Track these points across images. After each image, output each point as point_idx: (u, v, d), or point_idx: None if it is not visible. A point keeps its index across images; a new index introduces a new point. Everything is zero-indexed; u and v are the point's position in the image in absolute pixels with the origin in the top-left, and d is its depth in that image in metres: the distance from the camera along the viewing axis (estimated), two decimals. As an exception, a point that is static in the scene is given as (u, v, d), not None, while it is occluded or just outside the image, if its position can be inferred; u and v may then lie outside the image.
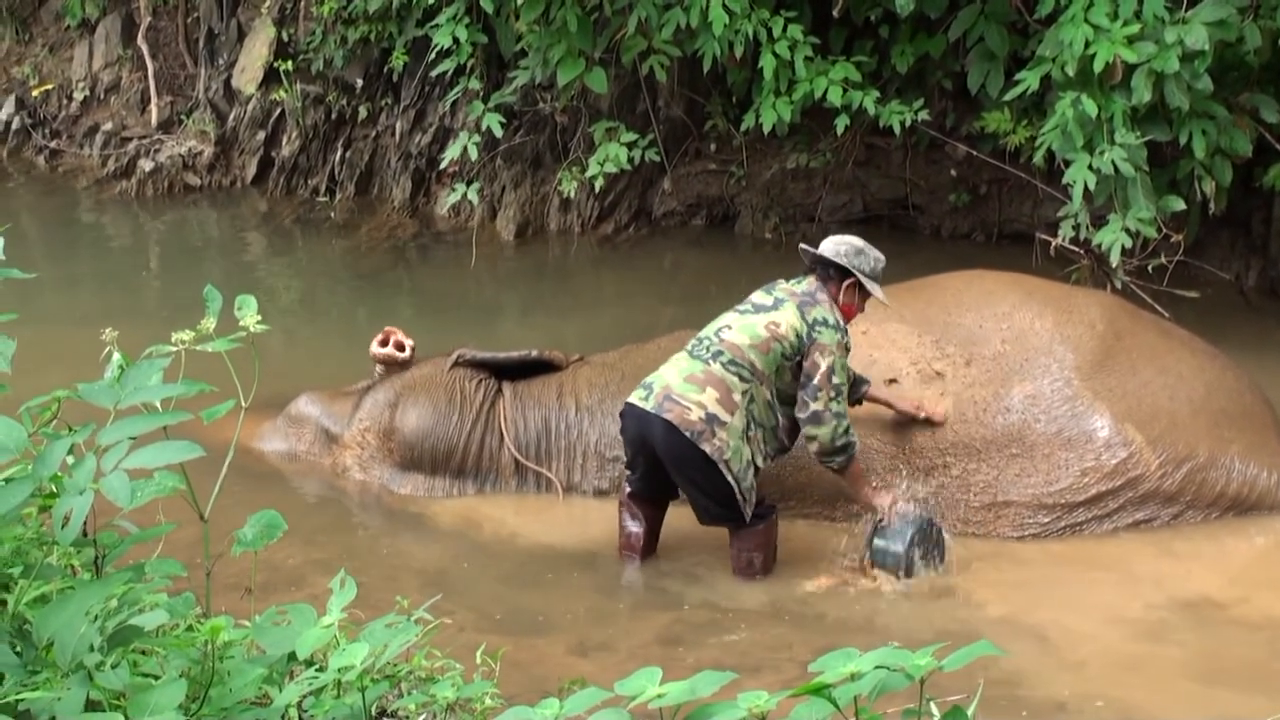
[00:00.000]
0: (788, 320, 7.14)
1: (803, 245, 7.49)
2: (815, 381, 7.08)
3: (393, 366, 8.46)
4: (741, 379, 7.08)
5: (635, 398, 7.12)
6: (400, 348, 8.47)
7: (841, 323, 7.18)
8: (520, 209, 12.90)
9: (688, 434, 6.95)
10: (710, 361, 7.09)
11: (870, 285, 7.28)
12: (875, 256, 7.33)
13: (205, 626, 3.14)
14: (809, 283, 7.30)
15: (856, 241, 7.39)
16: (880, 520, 7.21)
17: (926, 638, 3.15)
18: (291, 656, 3.28)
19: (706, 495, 7.11)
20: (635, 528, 7.37)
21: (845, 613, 6.95)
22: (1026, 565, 7.30)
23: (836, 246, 7.33)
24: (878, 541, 7.19)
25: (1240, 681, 6.25)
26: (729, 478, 7.01)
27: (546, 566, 7.43)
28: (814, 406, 7.08)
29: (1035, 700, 6.09)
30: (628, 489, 7.37)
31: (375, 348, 8.49)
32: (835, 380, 7.09)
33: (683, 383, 7.04)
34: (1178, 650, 6.59)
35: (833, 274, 7.30)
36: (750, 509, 7.12)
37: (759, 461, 7.14)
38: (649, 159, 12.21)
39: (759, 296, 7.33)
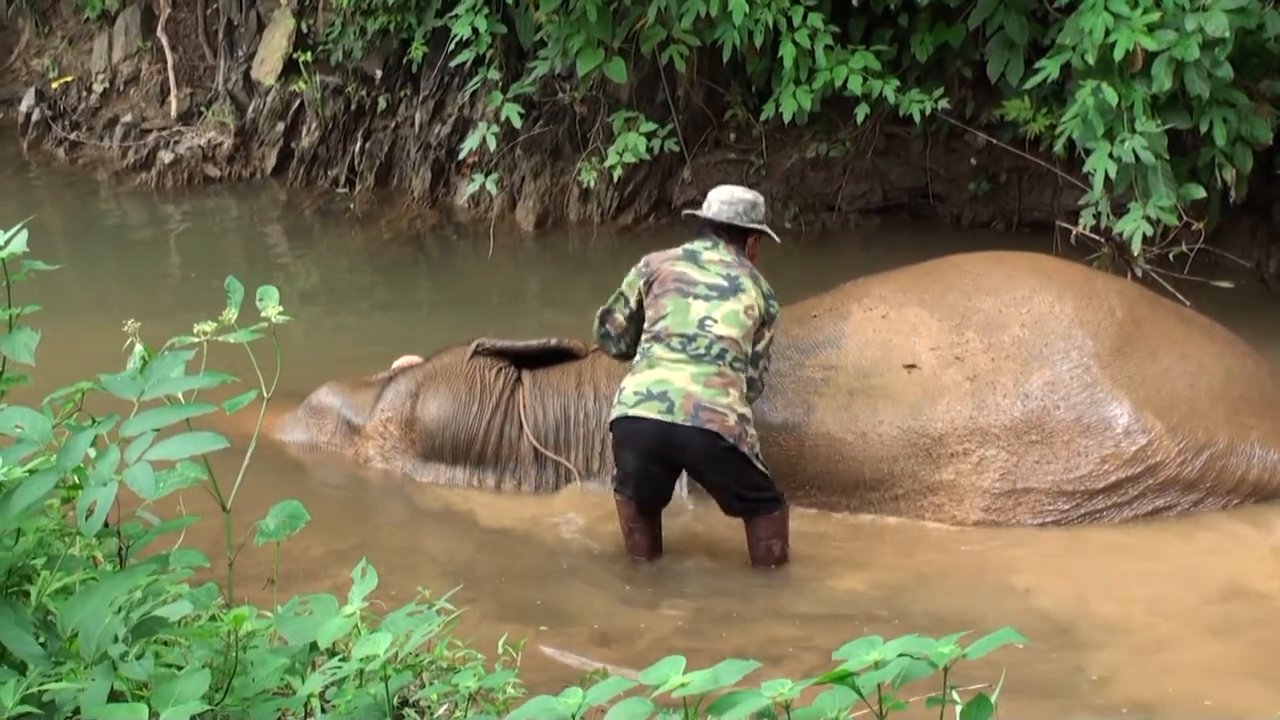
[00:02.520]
0: (755, 300, 7.28)
1: (690, 212, 7.84)
2: (759, 349, 7.32)
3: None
4: (742, 372, 7.17)
5: (650, 410, 7.02)
6: None
7: None
8: (540, 199, 12.91)
9: (730, 440, 6.99)
10: (719, 363, 7.10)
11: (770, 234, 7.66)
12: (762, 201, 7.70)
13: (228, 617, 3.15)
14: (725, 248, 7.47)
15: (745, 194, 7.67)
16: None
17: (961, 628, 3.13)
18: (314, 646, 3.29)
19: (742, 487, 7.11)
20: (640, 537, 7.32)
21: (870, 604, 6.91)
22: (1055, 553, 7.25)
23: (734, 208, 7.56)
24: None
25: None
26: (759, 467, 7.09)
27: (566, 557, 7.44)
28: (752, 373, 7.27)
29: (1136, 698, 6.01)
30: (625, 499, 7.28)
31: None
32: (772, 350, 7.44)
33: (704, 388, 7.02)
34: (1253, 648, 6.46)
35: (736, 234, 7.54)
36: (775, 486, 7.19)
37: None
38: (668, 149, 12.20)
39: (699, 273, 7.34)
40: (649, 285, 7.38)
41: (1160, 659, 6.36)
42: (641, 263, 7.49)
